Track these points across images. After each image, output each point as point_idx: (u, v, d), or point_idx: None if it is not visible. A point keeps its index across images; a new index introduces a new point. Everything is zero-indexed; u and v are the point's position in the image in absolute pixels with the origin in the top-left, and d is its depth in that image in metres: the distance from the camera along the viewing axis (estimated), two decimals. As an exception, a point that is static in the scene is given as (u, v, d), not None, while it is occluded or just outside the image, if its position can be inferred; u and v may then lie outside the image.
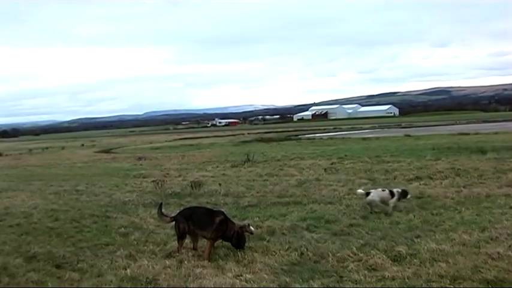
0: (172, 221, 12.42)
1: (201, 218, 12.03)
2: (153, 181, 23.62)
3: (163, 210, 13.04)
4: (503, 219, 13.57)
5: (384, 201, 15.79)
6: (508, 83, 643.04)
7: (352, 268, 10.13)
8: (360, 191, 16.71)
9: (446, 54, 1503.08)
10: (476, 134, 56.17)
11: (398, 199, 15.81)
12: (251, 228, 13.10)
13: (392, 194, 15.83)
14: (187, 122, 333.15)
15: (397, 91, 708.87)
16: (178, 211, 12.80)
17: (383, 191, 16.09)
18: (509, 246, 10.99)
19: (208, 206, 14.13)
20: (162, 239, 13.20)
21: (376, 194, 15.94)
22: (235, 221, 13.56)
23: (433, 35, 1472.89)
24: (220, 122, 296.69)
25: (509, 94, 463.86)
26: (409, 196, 16.10)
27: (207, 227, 11.84)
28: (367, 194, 16.02)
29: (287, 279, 9.75)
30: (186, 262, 11.13)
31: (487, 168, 23.84)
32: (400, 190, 16.12)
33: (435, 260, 10.26)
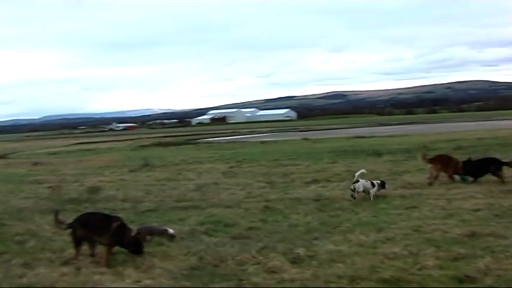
0: (68, 227, 12.16)
1: (97, 224, 11.82)
2: (49, 187, 23.14)
3: (59, 216, 12.75)
4: (399, 220, 13.90)
5: (365, 190, 17.48)
6: (403, 87, 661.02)
7: (251, 271, 10.14)
8: (358, 173, 18.01)
9: (343, 59, 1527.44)
10: (372, 137, 57.37)
11: (378, 189, 17.72)
12: (170, 231, 13.22)
13: (373, 184, 17.68)
14: (84, 127, 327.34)
15: (295, 95, 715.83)
16: (74, 217, 12.54)
17: (366, 182, 17.69)
18: (405, 246, 11.25)
19: (106, 212, 13.89)
20: (59, 246, 12.88)
21: (361, 183, 17.47)
22: (157, 224, 13.65)
23: (330, 40, 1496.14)
24: (118, 127, 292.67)
25: (404, 98, 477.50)
26: (386, 186, 18.15)
27: (103, 233, 11.65)
28: (356, 181, 17.50)
29: (187, 284, 9.70)
30: (84, 269, 10.91)
31: (383, 170, 24.39)
32: (379, 182, 18.05)
33: (333, 261, 10.39)
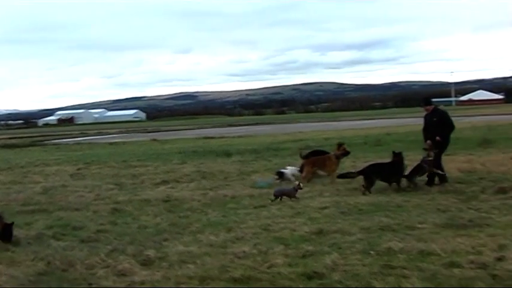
0: None
1: None
2: None
3: None
4: (248, 219, 14.03)
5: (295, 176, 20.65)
6: (250, 88, 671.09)
7: (101, 275, 9.94)
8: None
9: (189, 60, 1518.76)
10: (222, 137, 57.86)
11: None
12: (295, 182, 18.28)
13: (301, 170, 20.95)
14: None
15: (144, 96, 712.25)
16: None
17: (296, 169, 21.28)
18: (254, 244, 11.36)
19: None
20: None
21: (290, 170, 21.09)
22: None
23: (176, 42, 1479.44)
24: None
25: (253, 99, 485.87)
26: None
27: None
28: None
29: (34, 290, 9.42)
30: None
31: (232, 170, 24.61)
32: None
33: (184, 262, 10.35)
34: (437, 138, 18.19)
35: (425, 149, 18.54)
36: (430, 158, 17.98)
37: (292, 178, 20.41)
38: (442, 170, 18.42)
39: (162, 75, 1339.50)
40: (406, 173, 18.07)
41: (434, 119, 18.73)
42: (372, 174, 17.62)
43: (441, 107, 21.16)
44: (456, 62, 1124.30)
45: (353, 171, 18.85)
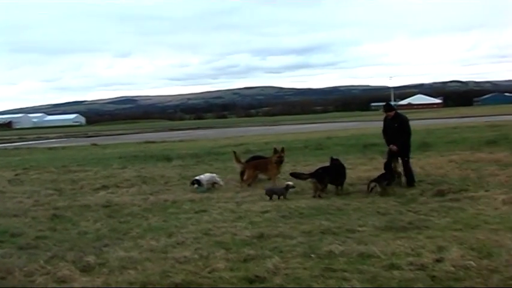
0: None
1: None
2: None
3: None
4: (189, 224, 14.00)
5: (214, 182, 20.41)
6: (191, 92, 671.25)
7: (40, 282, 9.80)
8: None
9: (129, 64, 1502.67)
10: (163, 142, 57.55)
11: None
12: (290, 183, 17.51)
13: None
14: None
15: (84, 100, 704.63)
16: None
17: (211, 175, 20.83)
18: (196, 249, 11.33)
19: None
20: None
21: (205, 177, 20.21)
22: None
23: (115, 46, 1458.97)
24: None
25: (194, 103, 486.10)
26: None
27: None
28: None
29: (-30, 300, 9.24)
30: None
31: (173, 175, 24.50)
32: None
33: (124, 268, 10.27)
34: (394, 147, 18.56)
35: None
36: None
37: (209, 186, 20.17)
38: (411, 173, 18.88)
39: (102, 79, 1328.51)
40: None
41: (396, 125, 19.05)
42: (325, 176, 17.70)
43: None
44: (395, 67, 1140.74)
45: (305, 173, 18.84)
